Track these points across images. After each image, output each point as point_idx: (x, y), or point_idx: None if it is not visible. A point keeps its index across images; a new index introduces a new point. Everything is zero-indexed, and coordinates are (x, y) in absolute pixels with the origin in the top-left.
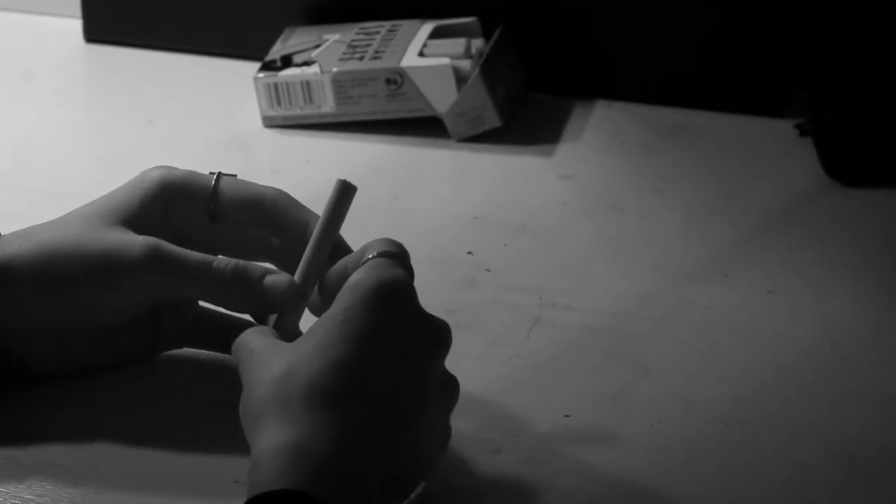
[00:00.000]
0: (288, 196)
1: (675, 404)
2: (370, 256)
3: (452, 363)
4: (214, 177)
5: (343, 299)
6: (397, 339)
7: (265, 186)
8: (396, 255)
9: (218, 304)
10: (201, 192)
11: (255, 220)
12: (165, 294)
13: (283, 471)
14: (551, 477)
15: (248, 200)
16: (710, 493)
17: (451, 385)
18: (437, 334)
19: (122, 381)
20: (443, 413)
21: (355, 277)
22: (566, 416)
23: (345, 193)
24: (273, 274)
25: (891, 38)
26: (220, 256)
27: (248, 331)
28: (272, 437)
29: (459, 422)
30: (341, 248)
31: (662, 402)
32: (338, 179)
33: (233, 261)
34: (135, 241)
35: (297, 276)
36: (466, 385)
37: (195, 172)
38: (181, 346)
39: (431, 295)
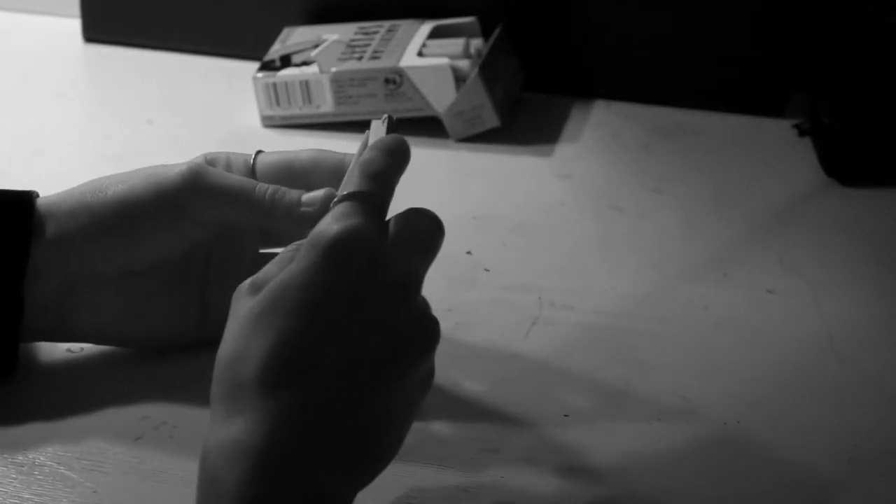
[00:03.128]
0: (320, 150)
1: (673, 404)
2: (337, 198)
3: (452, 362)
4: (254, 153)
5: (302, 259)
6: (354, 303)
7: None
8: (367, 197)
9: (261, 231)
10: (240, 165)
11: (292, 178)
12: (209, 218)
13: (221, 469)
14: (550, 476)
15: (280, 160)
16: (710, 492)
17: (424, 332)
18: (402, 289)
19: (123, 380)
20: (417, 362)
21: (317, 230)
22: (565, 415)
23: (391, 126)
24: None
25: (891, 37)
26: (261, 183)
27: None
28: (218, 431)
29: (457, 420)
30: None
31: (661, 402)
32: (386, 114)
33: (272, 186)
34: (178, 165)
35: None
36: (465, 384)
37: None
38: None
39: (430, 294)
